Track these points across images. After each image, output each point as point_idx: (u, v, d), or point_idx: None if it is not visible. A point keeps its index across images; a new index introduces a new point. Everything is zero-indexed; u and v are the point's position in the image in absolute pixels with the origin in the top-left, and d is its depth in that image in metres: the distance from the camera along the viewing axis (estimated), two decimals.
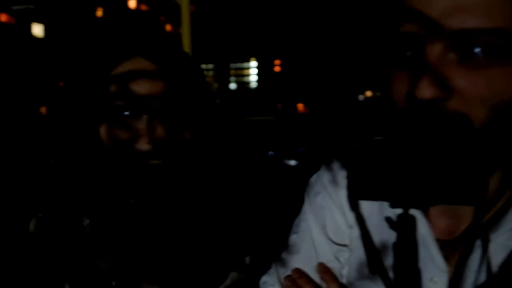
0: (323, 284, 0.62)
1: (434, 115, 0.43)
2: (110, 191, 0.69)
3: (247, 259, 0.76)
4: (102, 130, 0.67)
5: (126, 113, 0.66)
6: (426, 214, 0.53)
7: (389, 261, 0.60)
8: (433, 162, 0.41)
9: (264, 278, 0.69)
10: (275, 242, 0.74)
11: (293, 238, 0.67)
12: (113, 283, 0.66)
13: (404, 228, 0.59)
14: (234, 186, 0.79)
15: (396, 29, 0.47)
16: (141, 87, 0.66)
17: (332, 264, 0.62)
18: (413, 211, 0.59)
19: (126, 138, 0.66)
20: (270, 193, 0.83)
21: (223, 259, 0.73)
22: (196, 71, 0.75)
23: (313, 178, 0.68)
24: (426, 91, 0.42)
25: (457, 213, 0.53)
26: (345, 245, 0.61)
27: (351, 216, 0.60)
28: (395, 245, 0.58)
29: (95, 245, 0.67)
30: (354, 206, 0.69)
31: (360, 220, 0.67)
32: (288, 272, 0.65)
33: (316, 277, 0.63)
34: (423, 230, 0.52)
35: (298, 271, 0.64)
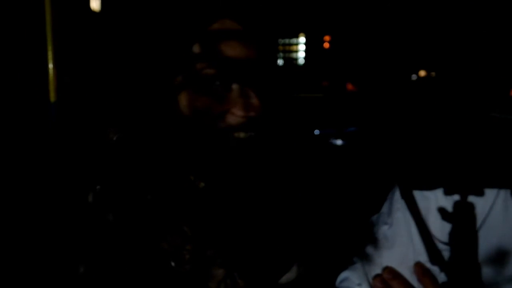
0: None
1: None
2: (174, 167, 0.64)
3: (313, 247, 0.68)
4: (184, 99, 0.61)
5: (217, 83, 0.59)
6: None
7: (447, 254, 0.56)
8: None
9: (345, 274, 0.62)
10: (339, 232, 0.68)
11: (384, 230, 0.59)
12: (172, 263, 0.62)
13: (461, 218, 0.51)
14: (296, 166, 0.72)
15: None
16: (231, 50, 0.59)
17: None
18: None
19: (212, 108, 0.59)
20: (322, 175, 0.80)
21: (289, 246, 0.67)
22: (276, 37, 0.68)
23: None
24: None
25: None
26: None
27: None
28: (450, 236, 0.55)
29: (157, 223, 0.63)
30: (407, 198, 0.64)
31: (414, 212, 0.62)
32: (378, 270, 0.57)
33: (412, 279, 0.54)
34: None
35: (390, 270, 0.55)
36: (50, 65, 3.56)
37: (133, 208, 0.64)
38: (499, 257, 0.49)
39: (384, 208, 0.61)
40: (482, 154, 0.52)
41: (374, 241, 0.59)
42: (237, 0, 0.64)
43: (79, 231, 0.65)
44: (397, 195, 0.59)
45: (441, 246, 0.54)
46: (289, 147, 0.76)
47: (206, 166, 0.63)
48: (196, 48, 0.60)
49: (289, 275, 0.66)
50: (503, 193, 0.49)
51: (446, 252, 0.52)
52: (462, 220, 0.52)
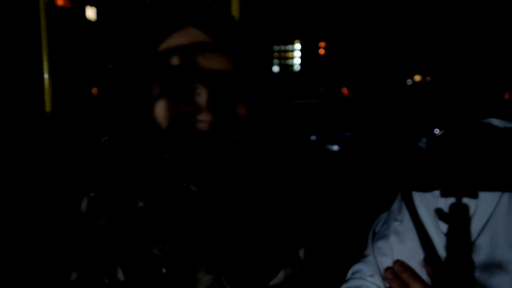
0: (430, 281, 0.55)
1: None
2: (165, 173, 0.65)
3: (301, 252, 0.70)
4: (157, 108, 0.61)
5: (184, 87, 0.59)
6: None
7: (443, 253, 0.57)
8: None
9: (358, 266, 0.64)
10: (330, 233, 0.69)
11: (395, 226, 0.61)
12: (163, 270, 0.63)
13: (456, 219, 0.52)
14: (286, 171, 0.72)
15: None
16: (199, 59, 0.59)
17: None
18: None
19: (182, 116, 0.59)
20: (314, 180, 0.79)
21: (277, 251, 0.68)
22: (256, 44, 0.67)
23: None
24: None
25: None
26: None
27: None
28: (447, 236, 0.56)
29: (149, 230, 0.64)
30: (407, 199, 0.65)
31: (413, 213, 0.64)
32: (389, 263, 0.59)
33: (421, 272, 0.56)
34: None
35: (401, 263, 0.57)
36: (46, 75, 3.57)
37: (126, 214, 0.64)
38: (500, 259, 0.50)
39: (394, 206, 0.63)
40: (480, 157, 0.53)
41: (386, 236, 0.61)
42: (201, 7, 0.64)
43: (73, 238, 0.64)
44: (407, 192, 0.61)
45: (437, 247, 0.55)
46: (284, 152, 0.75)
47: (194, 171, 0.63)
48: (159, 59, 0.60)
49: (276, 280, 0.67)
50: (507, 195, 0.50)
51: (442, 253, 0.53)
52: (457, 221, 0.52)
